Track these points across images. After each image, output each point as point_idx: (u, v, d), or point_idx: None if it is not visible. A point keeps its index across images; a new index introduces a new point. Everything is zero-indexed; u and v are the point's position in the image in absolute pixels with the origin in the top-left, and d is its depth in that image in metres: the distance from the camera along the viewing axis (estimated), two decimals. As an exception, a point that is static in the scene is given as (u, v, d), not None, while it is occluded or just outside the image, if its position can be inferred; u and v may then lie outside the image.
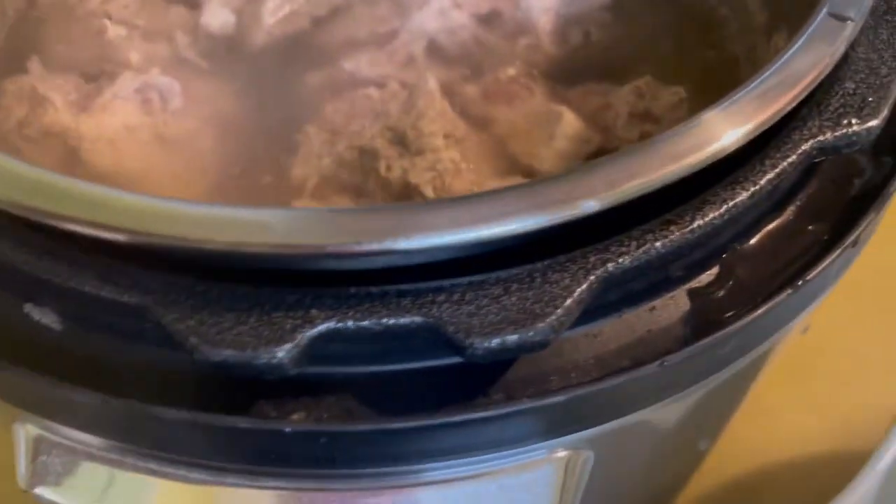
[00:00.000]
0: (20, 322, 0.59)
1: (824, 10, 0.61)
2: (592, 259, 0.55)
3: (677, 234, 0.57)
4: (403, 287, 0.54)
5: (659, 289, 0.61)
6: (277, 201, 0.89)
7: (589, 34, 1.05)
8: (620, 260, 0.55)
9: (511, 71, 0.99)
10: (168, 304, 0.53)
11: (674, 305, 0.61)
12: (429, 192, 0.85)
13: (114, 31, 1.03)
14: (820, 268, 0.61)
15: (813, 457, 1.17)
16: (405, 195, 0.85)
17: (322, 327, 0.52)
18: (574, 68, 1.01)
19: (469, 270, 0.54)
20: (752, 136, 0.57)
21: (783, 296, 0.59)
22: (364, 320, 0.52)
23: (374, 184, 0.89)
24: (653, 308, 0.60)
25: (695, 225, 0.57)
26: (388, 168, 0.87)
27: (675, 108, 0.94)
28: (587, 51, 1.03)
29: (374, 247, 0.50)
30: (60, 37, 1.03)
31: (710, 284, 0.62)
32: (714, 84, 1.02)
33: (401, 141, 0.90)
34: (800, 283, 0.59)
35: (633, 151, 0.54)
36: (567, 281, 0.54)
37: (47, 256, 0.57)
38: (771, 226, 0.65)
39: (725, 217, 0.58)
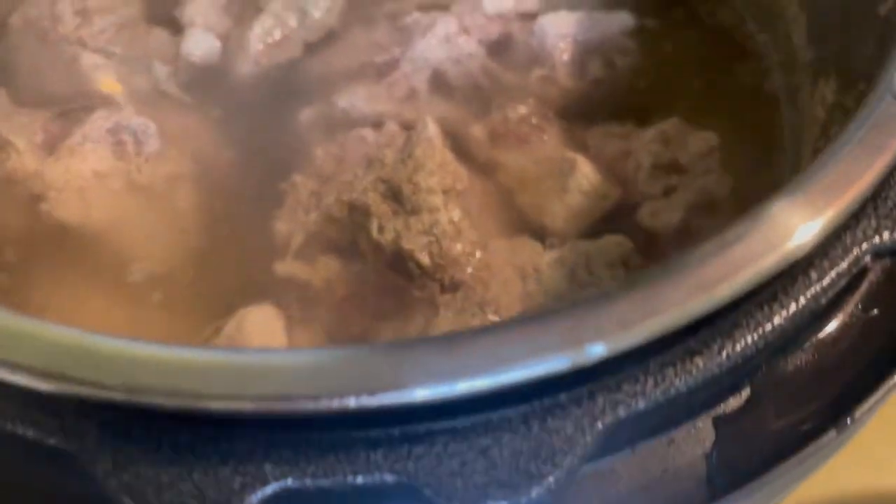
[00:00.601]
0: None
1: (888, 95, 0.51)
2: (601, 401, 0.46)
3: (703, 366, 0.48)
4: (373, 434, 0.45)
5: (678, 417, 0.52)
6: (258, 262, 0.81)
7: (610, 64, 0.95)
8: (634, 402, 0.46)
9: (522, 109, 0.89)
10: (97, 450, 0.45)
11: (696, 437, 0.52)
12: (424, 260, 0.76)
13: (88, 59, 0.94)
14: (876, 397, 0.52)
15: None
16: (398, 261, 0.76)
17: (276, 486, 0.44)
18: (592, 105, 0.91)
19: (452, 412, 0.46)
20: (801, 256, 0.47)
21: (829, 435, 0.50)
22: (325, 478, 0.44)
23: (364, 245, 0.80)
24: (671, 441, 0.52)
25: (723, 356, 0.48)
26: (381, 229, 0.78)
27: (705, 156, 0.84)
28: (607, 84, 0.92)
29: (339, 404, 0.41)
30: (31, 65, 0.95)
31: (739, 411, 0.53)
32: (749, 126, 0.92)
33: (395, 196, 0.81)
34: (848, 419, 0.50)
35: (654, 278, 0.45)
36: (570, 430, 0.45)
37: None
38: (815, 338, 0.55)
39: (760, 344, 0.49)
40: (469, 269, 0.78)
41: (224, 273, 0.80)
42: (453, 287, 0.77)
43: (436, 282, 0.76)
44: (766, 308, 0.50)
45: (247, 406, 0.42)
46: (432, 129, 0.83)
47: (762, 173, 0.87)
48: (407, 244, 0.75)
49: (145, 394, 0.43)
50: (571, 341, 0.42)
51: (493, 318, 0.74)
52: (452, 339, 0.44)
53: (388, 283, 0.78)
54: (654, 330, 0.43)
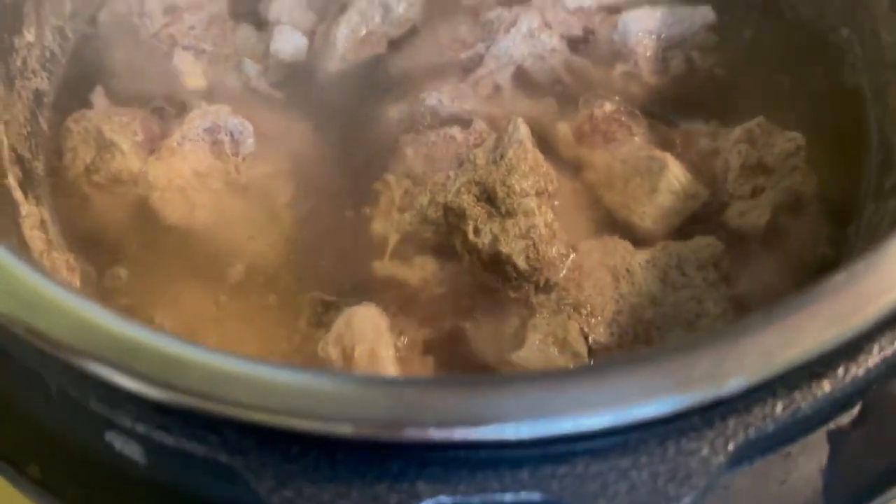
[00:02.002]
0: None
1: None
2: (732, 423, 0.48)
3: (828, 390, 0.50)
4: (518, 453, 0.48)
5: (795, 433, 0.55)
6: (357, 261, 0.84)
7: (692, 59, 0.95)
8: (764, 424, 0.49)
9: (608, 106, 0.90)
10: (260, 468, 0.48)
11: (811, 452, 0.54)
12: (521, 263, 0.78)
13: (180, 57, 0.96)
14: None
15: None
16: (495, 263, 0.79)
17: (429, 502, 0.47)
18: (676, 102, 0.92)
19: (593, 436, 0.49)
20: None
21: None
22: (475, 495, 0.47)
23: (461, 246, 0.82)
24: (788, 455, 0.54)
25: (848, 379, 0.50)
26: (477, 231, 0.80)
27: (792, 156, 0.85)
28: (690, 81, 0.93)
29: (487, 436, 0.44)
30: (124, 63, 0.97)
31: (851, 425, 0.55)
32: (833, 123, 0.93)
33: (489, 198, 0.82)
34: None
35: (790, 310, 0.47)
36: (705, 451, 0.47)
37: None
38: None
39: (882, 367, 0.51)
40: (563, 271, 0.80)
41: (325, 272, 0.83)
42: (547, 288, 0.80)
43: (531, 283, 0.79)
44: (888, 333, 0.52)
45: (415, 436, 0.45)
46: (523, 131, 0.85)
47: (848, 171, 0.88)
48: (505, 248, 0.78)
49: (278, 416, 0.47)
50: (715, 375, 0.45)
51: (588, 319, 0.77)
52: (600, 370, 0.46)
53: (483, 283, 0.81)
54: (794, 362, 0.46)
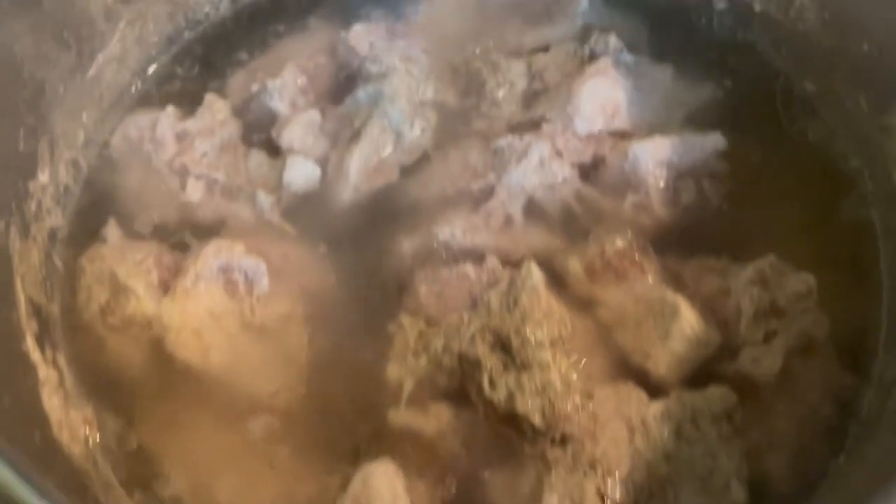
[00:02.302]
0: None
1: None
2: None
3: None
4: None
5: None
6: (373, 409, 0.83)
7: (703, 189, 0.96)
8: None
9: (619, 242, 0.90)
10: None
11: None
12: (537, 421, 0.78)
13: (192, 187, 0.97)
14: None
15: None
16: (511, 418, 0.79)
17: None
18: (687, 235, 0.92)
19: None
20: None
21: None
22: None
23: (476, 396, 0.82)
24: None
25: None
26: (493, 384, 0.81)
27: (803, 298, 0.85)
28: (701, 212, 0.94)
29: None
30: (137, 192, 0.97)
31: None
32: (843, 258, 0.93)
33: (504, 347, 0.83)
34: None
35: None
36: None
37: None
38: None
39: None
40: (578, 421, 0.81)
41: (340, 421, 0.83)
42: (562, 440, 0.80)
43: (546, 437, 0.79)
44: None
45: None
46: (536, 276, 0.85)
47: (859, 311, 0.89)
48: (521, 406, 0.78)
49: None
50: None
51: (605, 479, 0.77)
52: None
53: (499, 433, 0.81)
54: None
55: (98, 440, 0.81)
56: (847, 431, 0.82)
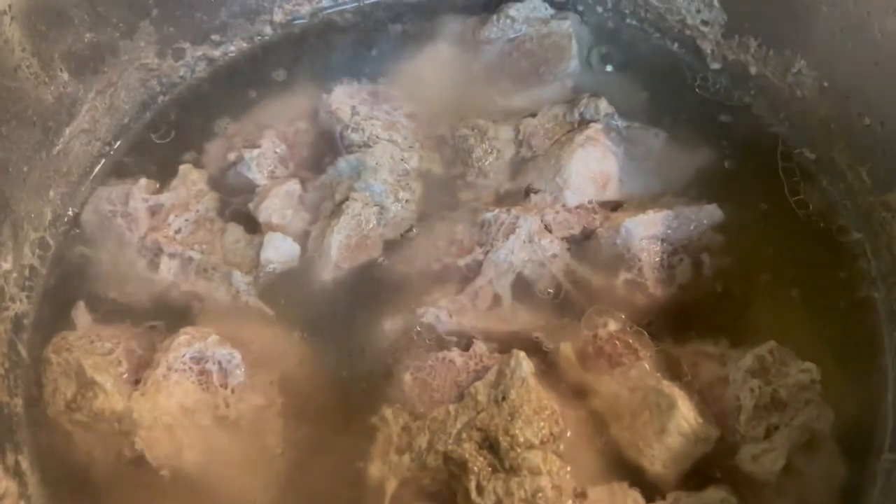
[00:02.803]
0: None
1: None
2: None
3: None
4: None
5: None
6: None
7: (699, 264, 0.91)
8: None
9: (612, 325, 0.86)
10: None
11: None
12: (527, 530, 0.74)
13: (166, 266, 0.92)
14: None
15: None
16: (500, 526, 0.75)
17: None
18: (684, 315, 0.88)
19: None
20: None
21: None
22: None
23: (463, 501, 0.77)
24: None
25: None
26: (480, 490, 0.76)
27: (805, 389, 0.81)
28: (698, 291, 0.89)
29: None
30: (108, 271, 0.93)
31: None
32: (847, 343, 0.89)
33: (491, 447, 0.78)
34: None
35: None
36: None
37: None
38: None
39: None
40: (571, 526, 0.77)
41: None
42: (555, 549, 0.76)
43: (538, 547, 0.75)
44: None
45: None
46: (526, 368, 0.81)
47: (864, 402, 0.85)
48: (509, 514, 0.74)
49: None
50: None
51: (599, 592, 0.73)
52: None
53: (489, 542, 0.78)
54: None
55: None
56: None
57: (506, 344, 0.87)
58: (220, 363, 0.85)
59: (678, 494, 0.78)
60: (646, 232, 0.92)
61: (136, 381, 0.86)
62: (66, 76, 0.91)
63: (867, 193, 0.90)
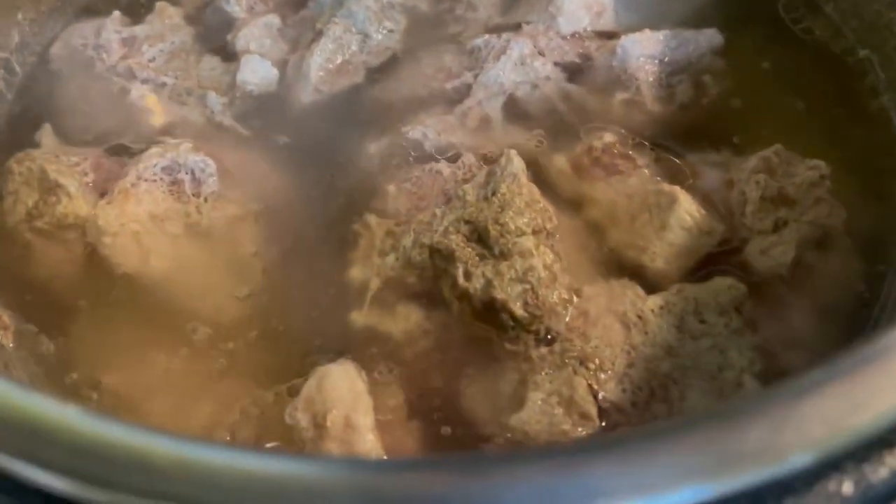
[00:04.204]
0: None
1: None
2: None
3: None
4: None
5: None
6: (333, 313, 0.74)
7: (700, 85, 0.87)
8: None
9: (608, 137, 0.82)
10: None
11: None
12: (518, 310, 0.68)
13: (137, 91, 0.87)
14: None
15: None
16: (488, 311, 0.69)
17: None
18: (683, 131, 0.83)
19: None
20: None
21: None
22: None
23: (449, 292, 0.72)
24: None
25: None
26: (468, 275, 0.71)
27: (815, 186, 0.76)
28: (698, 108, 0.85)
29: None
30: (77, 99, 0.88)
31: None
32: (857, 148, 0.84)
33: (480, 238, 0.73)
34: None
35: (856, 364, 0.38)
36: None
37: None
38: None
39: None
40: (566, 318, 0.71)
41: (296, 326, 0.73)
42: (549, 339, 0.70)
43: (530, 333, 0.69)
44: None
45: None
46: (517, 164, 0.76)
47: (879, 202, 0.80)
48: (499, 293, 0.68)
49: None
50: (772, 449, 0.35)
51: (597, 374, 0.67)
52: (623, 443, 0.37)
53: (476, 334, 0.71)
54: (868, 430, 0.36)
55: (12, 344, 0.71)
56: (873, 326, 0.73)
57: (497, 157, 0.82)
58: (192, 172, 0.80)
59: (682, 285, 0.72)
60: (643, 50, 0.88)
61: (103, 194, 0.81)
62: None
63: (872, 2, 0.86)
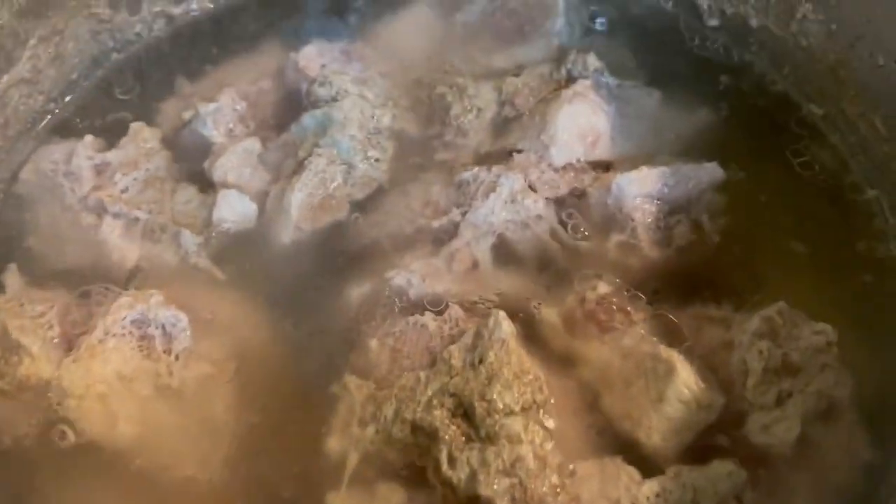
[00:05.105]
0: None
1: None
2: None
3: None
4: None
5: None
6: (309, 494, 0.70)
7: (699, 226, 0.83)
8: None
9: (602, 287, 0.78)
10: None
11: None
12: (505, 506, 0.65)
13: (109, 226, 0.83)
14: None
15: None
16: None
17: None
18: (682, 279, 0.79)
19: None
20: None
21: None
22: None
23: (433, 476, 0.68)
24: None
25: None
26: (452, 461, 0.67)
27: (821, 353, 0.72)
28: (698, 252, 0.81)
29: None
30: (45, 233, 0.83)
31: None
32: (864, 304, 0.80)
33: (466, 414, 0.69)
34: None
35: None
36: None
37: None
38: None
39: None
40: (557, 505, 0.67)
41: (270, 506, 0.70)
42: (538, 529, 0.66)
43: (518, 527, 0.66)
44: None
45: None
46: (506, 328, 0.72)
47: (886, 367, 0.76)
48: (485, 490, 0.64)
49: None
50: None
51: (589, 578, 0.63)
52: None
53: (464, 522, 0.68)
54: None
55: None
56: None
57: (485, 310, 0.78)
58: (163, 327, 0.76)
59: (679, 468, 0.68)
60: (640, 190, 0.84)
61: (70, 348, 0.76)
62: (4, 15, 0.83)
63: (881, 143, 0.82)
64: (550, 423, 0.71)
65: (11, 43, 0.85)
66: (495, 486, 0.64)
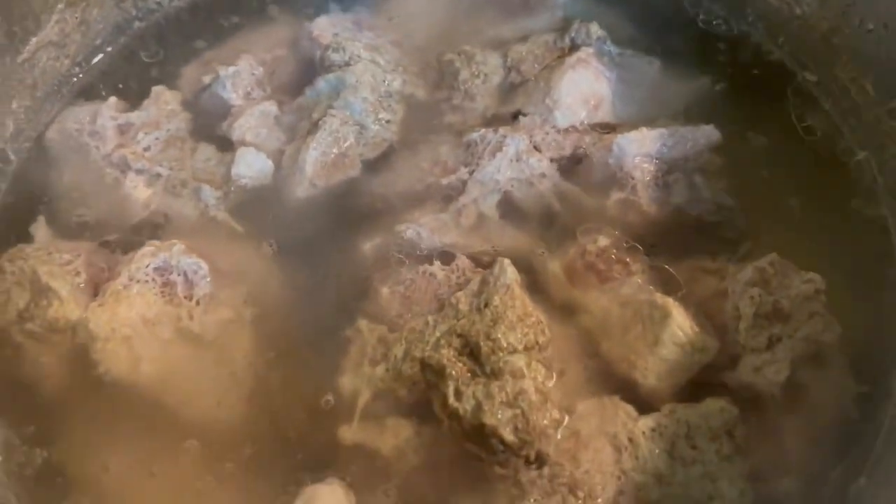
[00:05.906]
0: None
1: None
2: None
3: None
4: None
5: None
6: (323, 426, 0.73)
7: (695, 184, 0.87)
8: None
9: (602, 241, 0.81)
10: None
11: None
12: (508, 436, 0.67)
13: (132, 182, 0.87)
14: None
15: None
16: (479, 435, 0.69)
17: None
18: (679, 233, 0.82)
19: None
20: None
21: None
22: None
23: (440, 409, 0.72)
24: None
25: None
26: (458, 395, 0.70)
27: (810, 300, 0.75)
28: (694, 210, 0.84)
29: None
30: (71, 188, 0.87)
31: None
32: (853, 257, 0.83)
33: (472, 353, 0.72)
34: None
35: None
36: None
37: None
38: None
39: None
40: (557, 439, 0.70)
41: (286, 439, 0.73)
42: (539, 461, 0.69)
43: (520, 458, 0.69)
44: None
45: None
46: (511, 274, 0.76)
47: (873, 316, 0.79)
48: (489, 419, 0.67)
49: None
50: None
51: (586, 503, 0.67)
52: None
53: (466, 453, 0.71)
54: None
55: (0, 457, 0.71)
56: (867, 450, 0.73)
57: (490, 261, 0.82)
58: (185, 273, 0.80)
59: (674, 406, 0.72)
60: (639, 149, 0.88)
61: (95, 293, 0.80)
62: (33, -21, 0.87)
63: (872, 106, 0.85)
64: (552, 366, 0.75)
65: (40, 6, 0.89)
66: (499, 416, 0.68)
